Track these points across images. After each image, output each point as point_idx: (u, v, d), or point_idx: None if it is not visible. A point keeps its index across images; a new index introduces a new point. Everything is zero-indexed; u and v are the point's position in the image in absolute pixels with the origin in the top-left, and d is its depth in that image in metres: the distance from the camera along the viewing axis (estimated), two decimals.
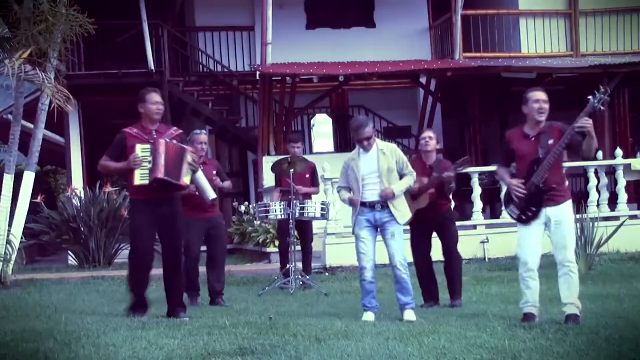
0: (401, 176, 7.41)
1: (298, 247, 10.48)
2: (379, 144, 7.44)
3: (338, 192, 7.66)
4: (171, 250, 7.40)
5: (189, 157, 7.29)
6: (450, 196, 8.66)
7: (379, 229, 7.38)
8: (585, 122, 6.40)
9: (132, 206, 7.57)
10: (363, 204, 7.34)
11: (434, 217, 8.29)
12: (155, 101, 7.31)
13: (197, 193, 8.41)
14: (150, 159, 7.15)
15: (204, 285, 9.17)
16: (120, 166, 7.33)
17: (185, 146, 7.38)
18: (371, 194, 7.32)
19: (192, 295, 8.99)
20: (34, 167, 11.83)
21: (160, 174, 7.12)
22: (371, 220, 7.34)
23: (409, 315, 7.25)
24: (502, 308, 7.87)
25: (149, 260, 7.40)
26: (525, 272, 6.77)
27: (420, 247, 8.42)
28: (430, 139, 8.39)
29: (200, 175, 7.92)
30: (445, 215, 8.55)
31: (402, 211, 7.39)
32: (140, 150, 7.18)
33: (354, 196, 7.34)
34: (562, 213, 6.69)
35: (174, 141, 7.32)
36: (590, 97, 6.56)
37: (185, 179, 7.29)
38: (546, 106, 6.70)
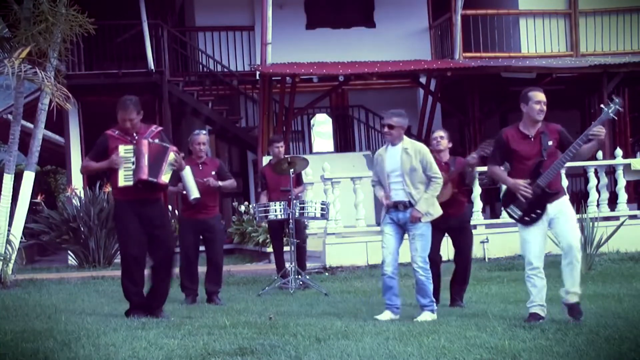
0: (426, 177, 7.34)
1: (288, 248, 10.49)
2: (405, 142, 7.40)
3: (373, 186, 7.65)
4: (163, 251, 7.37)
5: (170, 156, 7.28)
6: (469, 194, 8.54)
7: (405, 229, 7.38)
8: (600, 130, 6.47)
9: (117, 207, 7.52)
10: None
11: (453, 217, 8.08)
12: (122, 119, 7.30)
13: (184, 192, 8.39)
14: (133, 159, 7.14)
15: (202, 285, 9.19)
16: (100, 165, 7.31)
17: (167, 145, 7.35)
18: (395, 194, 7.33)
19: (190, 295, 9.00)
20: (34, 167, 11.82)
21: (145, 174, 7.11)
22: (395, 219, 7.34)
23: (424, 316, 7.20)
24: (502, 308, 7.87)
25: (142, 262, 7.37)
26: (531, 271, 6.77)
27: (432, 247, 8.33)
28: (442, 139, 8.33)
29: (187, 174, 7.87)
30: (464, 218, 8.46)
31: (425, 211, 7.32)
32: (124, 151, 7.17)
33: (385, 196, 7.34)
34: (561, 206, 6.74)
35: (156, 140, 7.30)
36: (602, 105, 6.62)
37: (164, 177, 7.24)
38: (545, 107, 6.74)
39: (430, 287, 7.34)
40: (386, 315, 7.28)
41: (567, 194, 6.92)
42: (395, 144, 7.39)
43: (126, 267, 7.39)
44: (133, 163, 7.13)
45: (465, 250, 8.41)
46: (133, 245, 7.29)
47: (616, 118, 6.73)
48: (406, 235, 7.44)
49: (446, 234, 8.34)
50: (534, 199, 6.71)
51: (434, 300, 7.42)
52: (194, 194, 7.99)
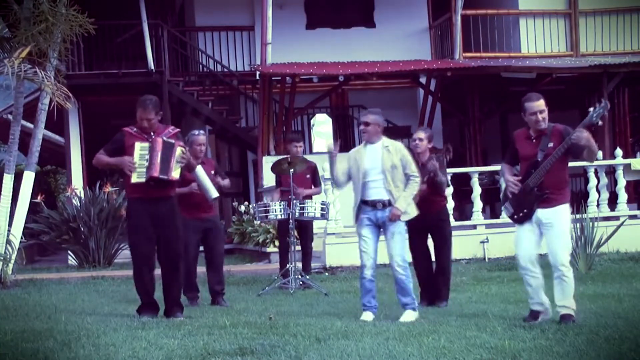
0: (405, 176, 7.38)
1: (298, 247, 10.48)
2: (384, 141, 7.44)
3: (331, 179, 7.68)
4: (170, 250, 7.42)
5: (177, 152, 7.33)
6: (446, 194, 8.61)
7: (381, 228, 7.39)
8: (580, 135, 6.46)
9: (130, 205, 7.64)
10: (365, 202, 7.35)
11: (429, 215, 8.15)
12: (140, 118, 7.34)
13: (199, 192, 8.43)
14: (147, 157, 7.24)
15: (203, 285, 9.17)
16: (113, 161, 7.40)
17: (173, 141, 7.40)
18: (374, 192, 7.32)
19: (192, 297, 8.99)
20: (34, 167, 11.82)
21: (156, 172, 7.21)
22: (372, 219, 7.34)
23: (407, 316, 7.24)
24: (502, 308, 7.87)
25: (151, 260, 7.43)
26: (521, 271, 6.88)
27: (419, 248, 8.40)
28: (421, 141, 8.35)
29: (202, 174, 7.94)
30: (441, 216, 8.52)
31: (404, 210, 7.34)
32: (140, 148, 7.26)
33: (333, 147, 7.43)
34: (554, 216, 6.70)
35: (172, 140, 7.37)
36: (590, 109, 6.61)
37: (174, 173, 7.32)
38: (544, 115, 6.73)
39: (410, 285, 7.36)
40: (369, 315, 7.32)
41: (567, 202, 6.84)
42: (374, 141, 7.42)
43: (136, 266, 7.45)
44: (147, 160, 7.22)
45: (442, 248, 8.48)
46: (143, 244, 7.37)
47: (601, 123, 6.70)
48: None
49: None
50: (522, 198, 6.75)
51: (415, 297, 7.46)
52: (214, 193, 8.02)
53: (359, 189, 7.38)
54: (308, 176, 10.65)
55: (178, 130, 7.65)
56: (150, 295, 7.47)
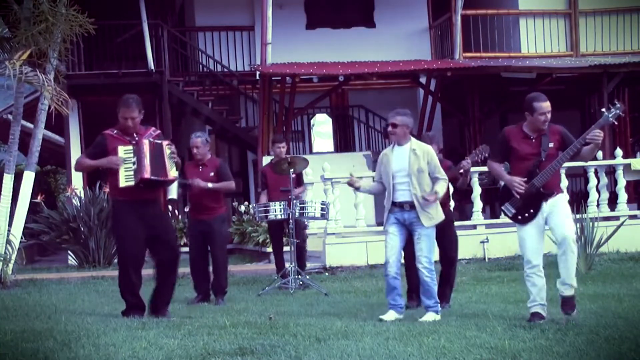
0: (432, 179, 7.35)
1: (287, 248, 10.49)
2: (413, 143, 7.38)
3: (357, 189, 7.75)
4: (169, 249, 7.37)
5: (167, 151, 7.26)
6: (450, 196, 8.60)
7: (409, 230, 7.36)
8: (598, 135, 6.49)
9: (116, 208, 7.44)
10: (393, 203, 7.34)
11: None
12: (123, 117, 7.24)
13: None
14: (134, 159, 7.10)
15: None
16: (98, 162, 7.23)
17: (160, 141, 7.32)
18: (401, 194, 7.30)
19: (201, 293, 9.04)
20: (34, 167, 11.83)
21: (147, 174, 7.08)
22: (400, 219, 7.33)
23: (429, 317, 7.18)
24: (502, 308, 7.87)
25: (140, 262, 7.34)
26: (529, 270, 6.79)
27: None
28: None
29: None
30: (448, 217, 8.50)
31: (430, 214, 7.29)
32: (123, 152, 7.13)
33: (354, 180, 7.55)
34: (557, 202, 6.77)
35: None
36: (604, 110, 6.65)
37: (172, 173, 7.25)
38: (549, 115, 6.77)
39: (435, 287, 7.33)
40: (391, 315, 7.26)
41: (566, 194, 6.96)
42: (402, 144, 7.37)
43: (124, 267, 7.36)
44: (134, 163, 7.09)
45: (449, 250, 8.43)
46: (132, 245, 7.26)
47: (616, 123, 6.75)
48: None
49: None
50: (528, 198, 6.74)
51: (438, 301, 7.41)
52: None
53: (390, 191, 7.37)
54: (294, 176, 10.63)
55: (159, 132, 7.56)
56: (137, 295, 7.37)
